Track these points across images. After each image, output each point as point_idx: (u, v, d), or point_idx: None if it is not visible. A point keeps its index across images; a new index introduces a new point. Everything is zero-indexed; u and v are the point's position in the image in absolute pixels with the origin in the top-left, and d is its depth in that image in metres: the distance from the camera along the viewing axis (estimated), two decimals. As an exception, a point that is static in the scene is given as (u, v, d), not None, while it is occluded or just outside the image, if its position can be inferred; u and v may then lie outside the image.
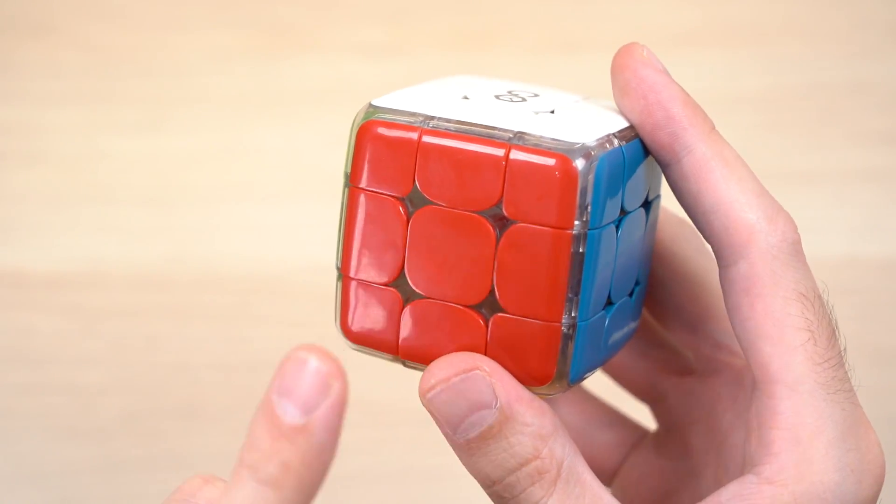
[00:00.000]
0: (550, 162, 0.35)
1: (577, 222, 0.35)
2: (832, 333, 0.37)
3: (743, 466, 0.38)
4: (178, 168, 0.71)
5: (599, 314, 0.37)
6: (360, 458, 0.65)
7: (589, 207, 0.35)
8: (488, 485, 0.36)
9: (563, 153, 0.35)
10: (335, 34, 0.75)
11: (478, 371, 0.35)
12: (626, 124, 0.37)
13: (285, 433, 0.34)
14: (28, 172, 0.71)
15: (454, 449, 0.36)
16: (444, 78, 0.41)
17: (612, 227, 0.36)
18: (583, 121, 0.37)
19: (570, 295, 0.35)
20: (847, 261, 0.69)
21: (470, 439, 0.35)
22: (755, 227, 0.37)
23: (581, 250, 0.35)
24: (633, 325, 0.40)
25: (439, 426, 0.36)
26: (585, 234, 0.35)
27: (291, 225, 0.70)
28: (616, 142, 0.36)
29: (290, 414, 0.34)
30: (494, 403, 0.35)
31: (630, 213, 0.37)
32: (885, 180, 0.71)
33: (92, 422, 0.67)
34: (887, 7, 0.75)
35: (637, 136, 0.37)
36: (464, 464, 0.36)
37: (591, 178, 0.35)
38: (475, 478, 0.36)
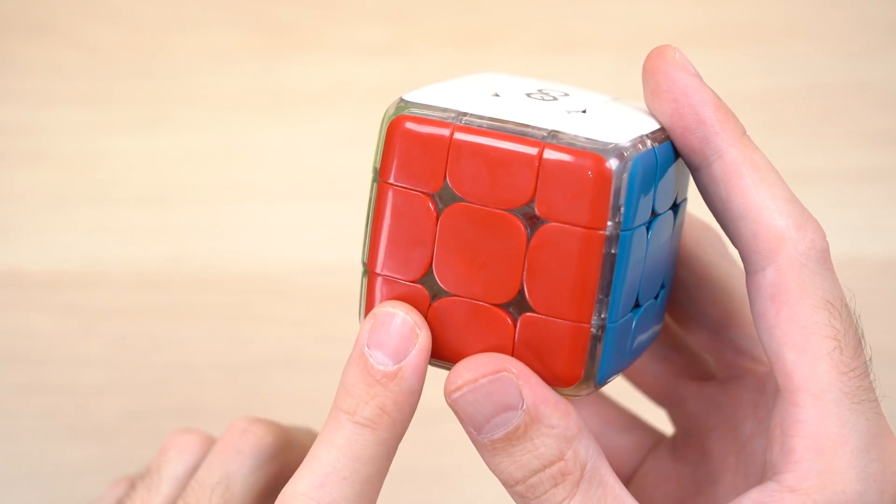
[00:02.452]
0: (585, 162, 0.34)
1: (609, 223, 0.35)
2: (858, 343, 0.38)
3: (763, 474, 0.38)
4: (178, 168, 0.71)
5: (627, 316, 0.37)
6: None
7: (622, 209, 0.35)
8: (511, 484, 0.36)
9: (598, 153, 0.34)
10: (335, 34, 0.75)
11: (505, 373, 0.35)
12: (657, 126, 0.37)
13: (379, 380, 0.36)
14: (28, 172, 0.71)
15: (477, 448, 0.36)
16: (472, 75, 0.40)
17: (644, 228, 0.36)
18: (616, 121, 0.36)
19: (600, 296, 0.35)
20: (847, 261, 0.69)
21: (494, 440, 0.36)
22: (784, 234, 0.37)
23: (613, 251, 0.35)
24: (656, 328, 0.40)
25: (463, 425, 0.36)
26: (618, 236, 0.35)
27: (292, 225, 0.70)
28: (649, 143, 0.36)
29: (383, 362, 0.36)
30: (520, 405, 0.35)
31: (660, 214, 0.37)
32: (885, 180, 0.71)
33: (92, 422, 0.67)
34: (887, 7, 0.75)
35: (668, 138, 0.37)
36: (486, 463, 0.36)
37: (625, 178, 0.34)
38: (497, 477, 0.36)
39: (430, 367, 0.38)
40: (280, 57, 0.74)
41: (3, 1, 0.75)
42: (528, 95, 0.37)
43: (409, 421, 0.36)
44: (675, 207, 0.38)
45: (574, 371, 0.36)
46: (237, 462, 0.42)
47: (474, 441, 0.36)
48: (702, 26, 0.75)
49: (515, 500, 0.36)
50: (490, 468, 0.36)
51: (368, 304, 0.37)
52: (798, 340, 0.37)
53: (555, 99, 0.37)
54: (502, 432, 0.35)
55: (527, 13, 0.76)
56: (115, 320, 0.68)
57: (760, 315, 0.37)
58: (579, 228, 0.34)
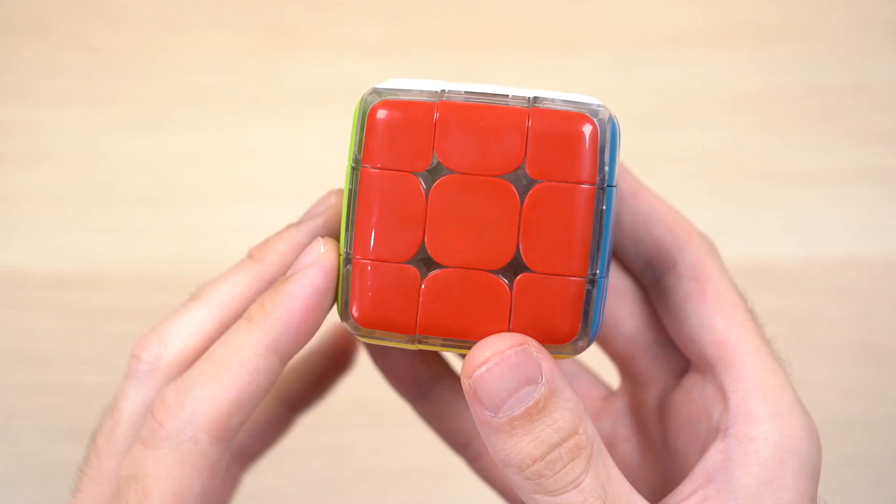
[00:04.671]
0: (573, 121, 0.36)
1: (599, 178, 0.36)
2: (760, 322, 0.41)
3: (707, 441, 0.40)
4: (178, 168, 0.71)
5: (606, 273, 0.38)
6: (362, 458, 0.65)
7: (607, 166, 0.36)
8: (526, 465, 0.36)
9: (584, 112, 0.36)
10: (335, 34, 0.75)
11: (527, 345, 0.36)
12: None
13: (274, 286, 0.38)
14: (28, 172, 0.71)
15: (490, 433, 0.36)
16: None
17: (615, 188, 0.37)
18: (574, 95, 0.38)
19: (593, 250, 0.36)
20: (847, 261, 0.69)
21: (515, 416, 0.36)
22: (691, 228, 0.42)
23: (603, 206, 0.36)
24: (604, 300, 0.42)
25: (478, 410, 0.36)
26: (605, 190, 0.36)
27: (291, 225, 0.70)
28: (607, 114, 0.37)
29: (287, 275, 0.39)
30: (541, 378, 0.36)
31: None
32: (885, 180, 0.71)
33: (92, 422, 0.67)
34: (887, 7, 0.75)
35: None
36: (498, 449, 0.36)
37: (608, 136, 0.36)
38: (508, 464, 0.36)
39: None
40: (280, 57, 0.74)
41: (3, 1, 0.75)
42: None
43: (288, 327, 0.37)
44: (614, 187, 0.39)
45: (573, 325, 0.37)
46: None
47: (488, 424, 0.36)
48: (702, 26, 0.75)
49: (526, 487, 0.37)
50: (502, 455, 0.36)
51: (353, 295, 0.38)
52: (725, 310, 0.40)
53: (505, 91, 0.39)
54: (523, 407, 0.36)
55: (527, 13, 0.76)
56: (115, 320, 0.68)
57: (686, 296, 0.41)
58: (573, 185, 0.36)
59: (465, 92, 0.37)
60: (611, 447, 0.45)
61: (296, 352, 0.38)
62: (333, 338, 0.48)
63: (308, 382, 0.48)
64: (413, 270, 0.37)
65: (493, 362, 0.36)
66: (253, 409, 0.38)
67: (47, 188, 0.71)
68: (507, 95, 0.36)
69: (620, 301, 0.44)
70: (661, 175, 0.64)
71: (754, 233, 0.69)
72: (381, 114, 0.37)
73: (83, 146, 0.72)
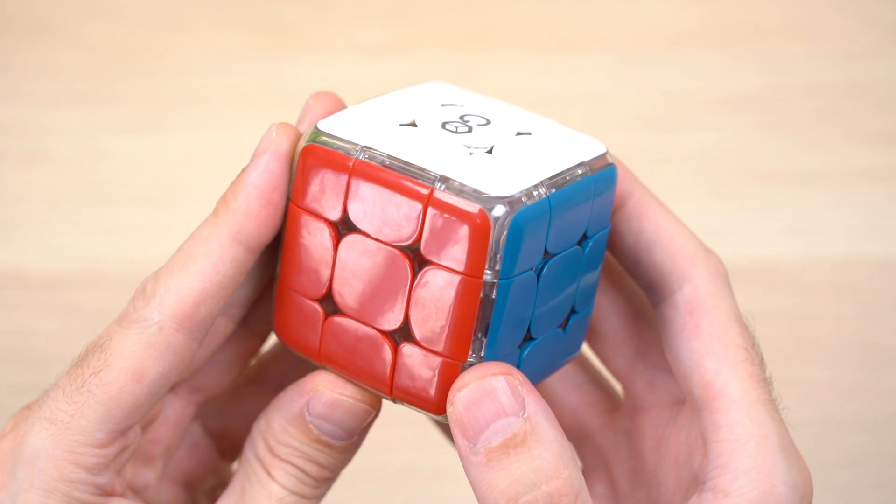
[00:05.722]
0: (467, 210, 0.35)
1: (488, 271, 0.35)
2: (762, 360, 0.39)
3: (689, 490, 0.39)
4: (178, 168, 0.71)
5: (512, 352, 0.37)
6: (361, 458, 0.65)
7: (500, 258, 0.35)
8: None
9: (481, 203, 0.35)
10: (335, 34, 0.75)
11: (511, 376, 0.36)
12: (566, 166, 0.38)
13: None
14: (28, 172, 0.71)
15: (469, 467, 0.36)
16: (416, 87, 0.41)
17: (531, 272, 0.37)
18: (515, 166, 0.37)
19: (478, 335, 0.36)
20: (847, 261, 0.69)
21: (491, 448, 0.35)
22: (696, 255, 0.40)
23: (492, 296, 0.36)
24: (568, 352, 0.41)
25: (458, 441, 0.36)
26: (496, 283, 0.36)
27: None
28: (543, 191, 0.36)
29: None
30: (522, 412, 0.35)
31: (558, 254, 0.38)
32: (885, 180, 0.71)
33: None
34: (887, 7, 0.75)
35: (573, 179, 0.38)
36: (475, 485, 0.36)
37: (505, 231, 0.35)
38: (483, 501, 0.35)
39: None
40: (280, 57, 0.74)
41: (3, 1, 0.75)
42: (444, 125, 0.38)
43: (246, 214, 0.38)
44: (587, 240, 0.39)
45: (442, 401, 0.37)
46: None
47: (466, 457, 0.36)
48: (702, 26, 0.75)
49: None
50: (479, 491, 0.36)
51: (276, 314, 0.39)
52: (717, 350, 0.38)
53: (468, 131, 0.38)
54: (500, 439, 0.35)
55: (527, 13, 0.76)
56: (115, 320, 0.68)
57: (678, 331, 0.39)
58: (457, 274, 0.36)
59: (388, 155, 0.36)
60: (607, 466, 0.44)
61: (261, 241, 0.38)
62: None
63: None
64: (318, 310, 0.38)
65: (473, 387, 0.36)
66: (222, 300, 0.38)
67: (47, 188, 0.71)
68: (425, 169, 0.36)
69: (623, 320, 0.43)
70: (661, 175, 0.64)
71: (754, 233, 0.69)
72: (308, 157, 0.37)
73: (83, 146, 0.72)
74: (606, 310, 0.43)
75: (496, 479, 0.35)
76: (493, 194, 0.35)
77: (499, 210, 0.35)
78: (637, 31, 0.74)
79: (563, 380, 0.44)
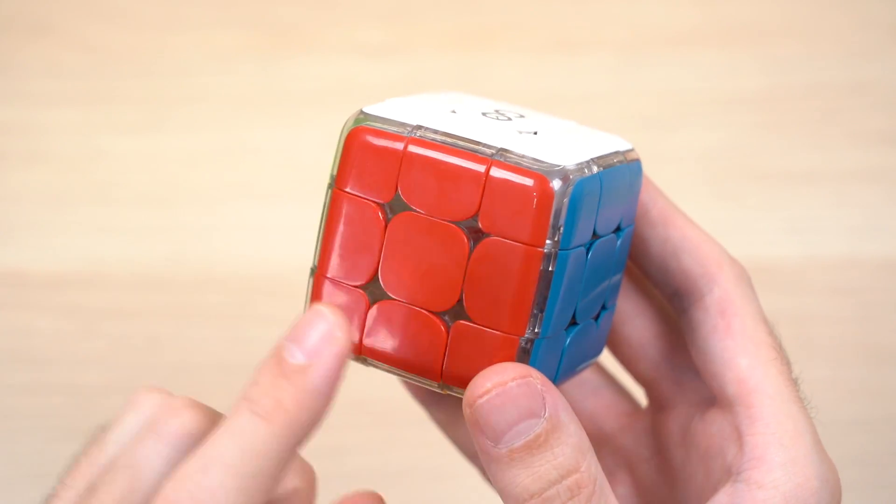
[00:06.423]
0: (528, 181, 0.36)
1: (548, 241, 0.36)
2: (789, 360, 0.40)
3: (720, 481, 0.39)
4: (177, 168, 0.71)
5: (561, 334, 0.38)
6: (362, 458, 0.65)
7: (562, 228, 0.36)
8: (523, 500, 0.36)
9: (542, 173, 0.36)
10: (335, 34, 0.75)
11: (531, 378, 0.36)
12: (607, 151, 0.38)
13: (285, 373, 0.34)
14: (28, 172, 0.71)
15: (490, 462, 0.36)
16: (435, 92, 0.42)
17: (583, 249, 0.37)
18: (564, 144, 0.38)
19: (535, 311, 0.36)
20: (847, 261, 0.69)
21: (514, 449, 0.36)
22: (723, 259, 0.41)
23: (550, 269, 0.36)
24: (594, 353, 0.41)
25: (479, 438, 0.36)
26: (556, 254, 0.36)
27: (291, 225, 0.70)
28: (594, 168, 0.37)
29: (295, 356, 0.35)
30: (543, 412, 0.36)
31: (602, 237, 0.38)
32: (885, 180, 0.71)
33: (92, 422, 0.67)
34: (887, 7, 0.75)
35: (617, 162, 0.38)
36: (497, 479, 0.36)
37: (566, 200, 0.36)
38: (507, 494, 0.36)
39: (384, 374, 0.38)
40: (280, 57, 0.74)
41: (3, 1, 0.75)
42: (484, 114, 0.39)
43: (312, 425, 0.34)
44: (620, 231, 0.39)
45: None
46: (152, 449, 0.40)
47: (488, 454, 0.36)
48: (701, 26, 0.75)
49: None
50: (501, 485, 0.36)
51: (311, 304, 0.38)
52: (749, 348, 0.40)
53: (509, 119, 0.39)
54: (523, 440, 0.36)
55: (527, 13, 0.76)
56: (115, 320, 0.68)
57: (710, 332, 0.40)
58: (519, 244, 0.36)
59: (441, 132, 0.37)
60: (631, 466, 0.44)
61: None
62: None
63: None
64: (363, 296, 0.38)
65: (495, 393, 0.36)
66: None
67: (47, 188, 0.71)
68: (482, 142, 0.36)
69: (648, 323, 0.43)
70: (661, 175, 0.64)
71: (754, 233, 0.69)
72: (356, 139, 0.37)
73: (83, 146, 0.72)
74: (630, 313, 0.44)
75: (520, 476, 0.36)
76: (554, 163, 0.36)
77: (561, 179, 0.36)
78: (637, 31, 0.74)
79: (579, 385, 0.45)
